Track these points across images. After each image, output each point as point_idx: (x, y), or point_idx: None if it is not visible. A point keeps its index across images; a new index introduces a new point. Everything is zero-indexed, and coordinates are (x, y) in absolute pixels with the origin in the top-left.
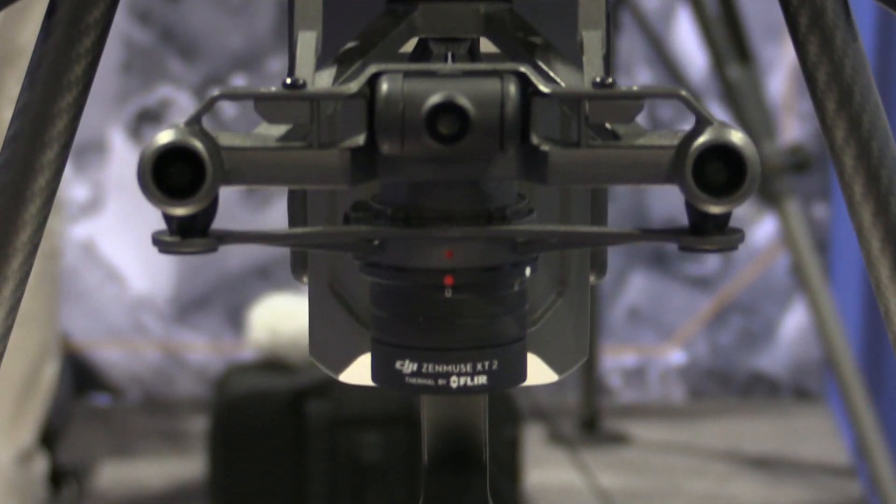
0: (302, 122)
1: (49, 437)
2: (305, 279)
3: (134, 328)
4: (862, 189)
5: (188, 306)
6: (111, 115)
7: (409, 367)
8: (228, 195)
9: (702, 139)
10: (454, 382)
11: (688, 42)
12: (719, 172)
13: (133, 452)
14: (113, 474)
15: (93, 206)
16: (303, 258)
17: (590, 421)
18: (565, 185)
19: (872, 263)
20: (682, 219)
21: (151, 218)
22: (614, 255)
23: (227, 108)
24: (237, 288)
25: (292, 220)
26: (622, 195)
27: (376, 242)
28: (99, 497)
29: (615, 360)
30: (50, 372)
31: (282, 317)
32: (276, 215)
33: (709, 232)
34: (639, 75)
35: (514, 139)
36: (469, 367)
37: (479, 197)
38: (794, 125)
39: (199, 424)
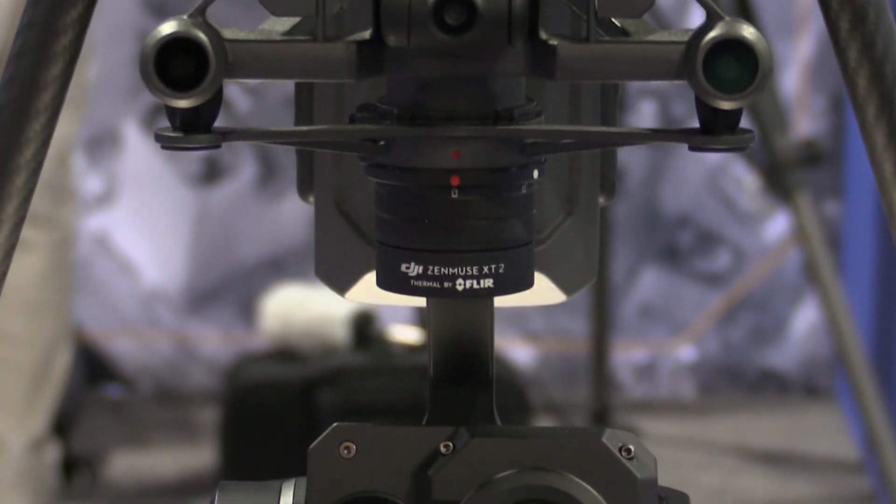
0: (307, 14)
1: (62, 427)
2: (311, 199)
3: (147, 320)
4: (875, 111)
5: (201, 298)
6: (125, 108)
7: (414, 269)
8: (242, 185)
9: (713, 34)
10: (460, 285)
11: None
12: (730, 68)
13: (145, 443)
14: (125, 464)
15: (106, 199)
16: (309, 176)
17: (600, 415)
18: (574, 81)
19: (885, 188)
20: (694, 215)
21: (165, 210)
22: (625, 250)
23: (241, 102)
24: (249, 280)
25: (298, 122)
26: (634, 193)
27: (382, 143)
28: (111, 486)
29: (626, 355)
30: (62, 361)
31: (294, 306)
32: (291, 206)
33: (719, 131)
34: None
35: (522, 32)
36: (475, 270)
37: (487, 96)
38: (807, 122)
39: (210, 415)
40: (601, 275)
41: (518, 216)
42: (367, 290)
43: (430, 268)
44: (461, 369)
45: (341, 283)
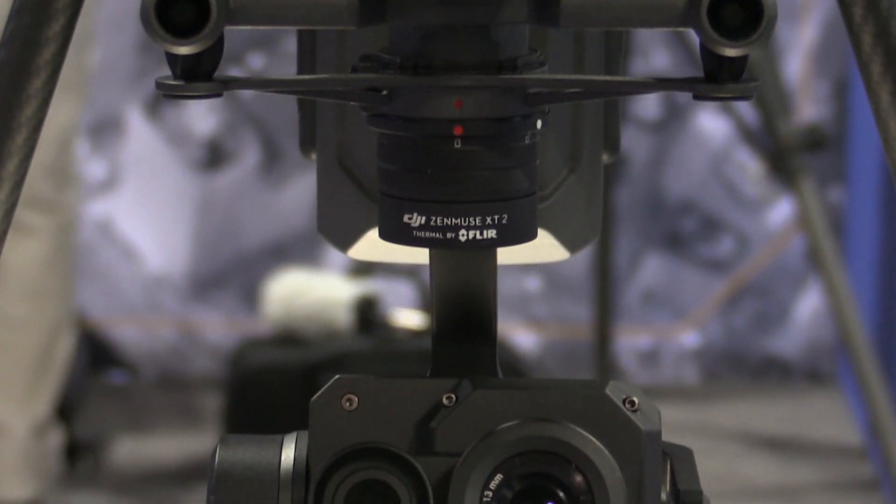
0: None
1: (65, 412)
2: (313, 155)
3: (150, 306)
4: (880, 69)
5: (204, 284)
6: (128, 94)
7: (417, 220)
8: (245, 171)
9: None
10: (463, 235)
11: None
12: (735, 15)
13: (148, 428)
14: (129, 449)
15: (110, 185)
16: (311, 132)
17: None
18: (577, 28)
19: (890, 145)
20: (697, 200)
21: (168, 196)
22: (629, 236)
23: (255, 61)
24: (253, 266)
25: (301, 72)
26: (637, 179)
27: (384, 93)
28: (114, 471)
29: (629, 341)
30: (65, 346)
31: (297, 291)
32: (294, 191)
33: (724, 79)
34: (656, 58)
35: None
36: (478, 221)
37: (490, 45)
38: (810, 108)
39: (214, 401)
40: (604, 260)
41: (521, 167)
42: (369, 247)
43: (433, 218)
44: (464, 322)
45: (343, 240)
